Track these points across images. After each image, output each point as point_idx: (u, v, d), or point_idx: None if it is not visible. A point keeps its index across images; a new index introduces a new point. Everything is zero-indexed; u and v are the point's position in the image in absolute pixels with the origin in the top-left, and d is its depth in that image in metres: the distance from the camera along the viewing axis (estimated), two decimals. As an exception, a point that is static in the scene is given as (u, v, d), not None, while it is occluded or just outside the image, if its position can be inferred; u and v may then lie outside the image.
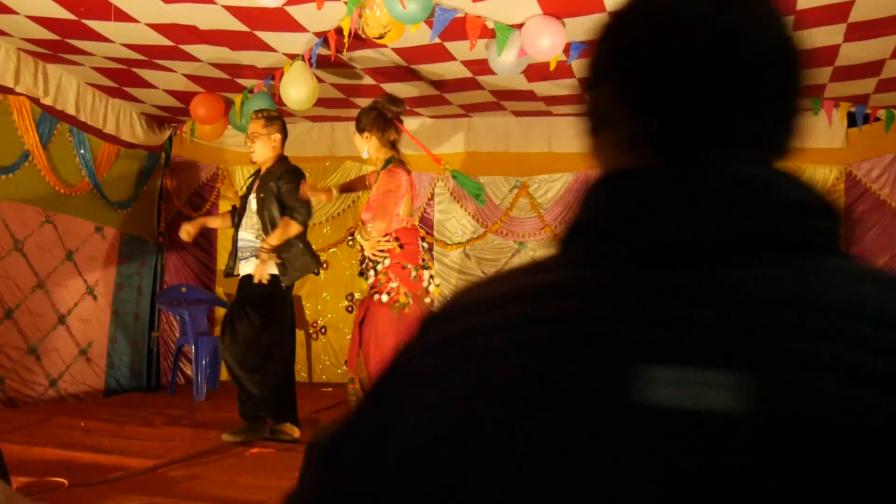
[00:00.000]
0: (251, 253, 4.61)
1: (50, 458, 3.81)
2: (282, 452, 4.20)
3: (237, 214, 4.81)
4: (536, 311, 0.67)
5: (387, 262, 4.33)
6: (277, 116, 4.77)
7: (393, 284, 4.30)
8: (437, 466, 0.64)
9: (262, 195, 4.59)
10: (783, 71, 0.76)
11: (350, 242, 7.19)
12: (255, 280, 4.46)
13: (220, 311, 7.29)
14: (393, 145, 4.52)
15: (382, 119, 4.48)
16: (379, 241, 4.33)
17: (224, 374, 6.98)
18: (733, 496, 0.55)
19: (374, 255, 4.36)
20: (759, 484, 0.55)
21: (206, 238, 7.28)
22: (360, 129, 4.51)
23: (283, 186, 4.55)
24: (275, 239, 4.45)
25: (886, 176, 6.15)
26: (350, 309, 7.16)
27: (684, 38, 0.73)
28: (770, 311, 0.61)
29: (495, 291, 0.73)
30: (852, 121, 6.07)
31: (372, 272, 4.38)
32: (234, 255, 4.74)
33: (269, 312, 4.55)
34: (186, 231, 4.94)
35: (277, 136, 4.70)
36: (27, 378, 5.60)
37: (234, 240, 4.77)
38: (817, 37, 4.67)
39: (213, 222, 5.27)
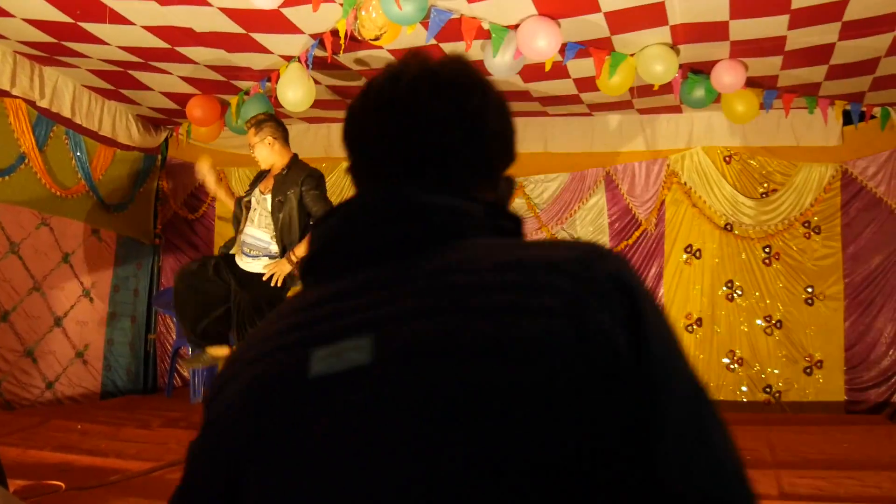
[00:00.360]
0: (263, 252, 4.69)
1: (47, 461, 3.80)
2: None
3: (243, 207, 4.83)
4: (272, 330, 0.96)
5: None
6: (266, 119, 4.80)
7: None
8: (224, 441, 0.93)
9: (279, 198, 4.64)
10: (455, 132, 1.05)
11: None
12: (273, 283, 4.49)
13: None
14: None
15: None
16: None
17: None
18: (367, 417, 0.82)
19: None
20: (379, 404, 0.82)
21: (203, 240, 7.27)
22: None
23: (307, 193, 4.62)
24: (301, 251, 4.52)
25: (882, 173, 6.16)
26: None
27: (378, 107, 1.09)
28: (397, 287, 0.89)
29: (268, 321, 1.01)
30: (848, 119, 6.06)
31: None
32: (236, 246, 4.82)
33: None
34: (204, 170, 5.03)
35: (272, 139, 4.72)
36: (23, 381, 5.59)
37: (239, 232, 4.82)
38: (812, 35, 4.68)
39: (220, 194, 5.22)
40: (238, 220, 4.89)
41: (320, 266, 1.01)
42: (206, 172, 5.00)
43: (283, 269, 4.53)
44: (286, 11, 4.47)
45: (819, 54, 4.97)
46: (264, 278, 4.55)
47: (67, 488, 3.27)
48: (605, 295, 0.84)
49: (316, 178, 4.70)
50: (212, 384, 0.99)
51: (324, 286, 0.97)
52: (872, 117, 5.99)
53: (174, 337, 6.96)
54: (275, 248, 4.66)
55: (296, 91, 5.16)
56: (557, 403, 0.78)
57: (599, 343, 0.80)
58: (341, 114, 5.05)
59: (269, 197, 4.69)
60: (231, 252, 4.87)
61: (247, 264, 4.71)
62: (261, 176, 4.91)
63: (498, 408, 0.78)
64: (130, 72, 5.65)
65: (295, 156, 4.83)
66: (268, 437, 0.87)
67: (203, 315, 4.73)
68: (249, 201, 4.82)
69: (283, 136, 4.79)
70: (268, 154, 4.74)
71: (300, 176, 4.67)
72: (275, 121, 4.82)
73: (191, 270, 4.82)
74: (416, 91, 1.07)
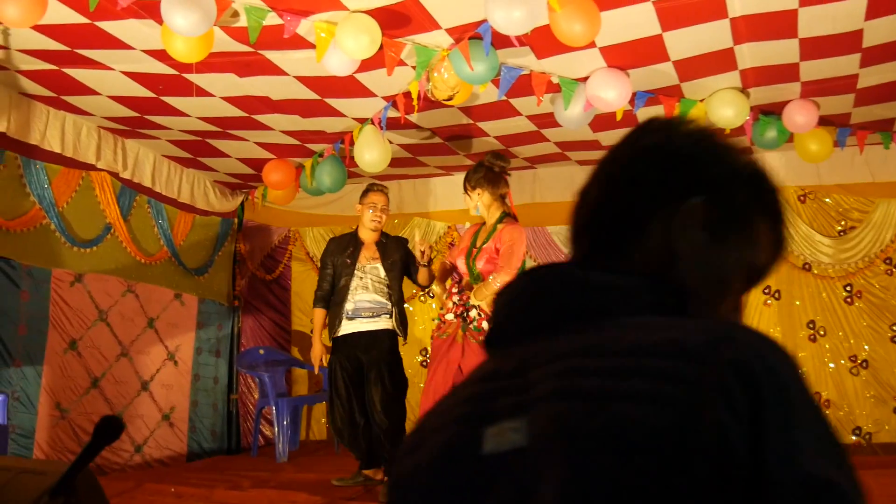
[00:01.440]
0: (384, 311, 5.15)
1: (147, 525, 3.89)
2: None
3: (346, 282, 5.16)
4: (455, 399, 1.00)
5: None
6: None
7: None
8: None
9: (390, 261, 5.19)
10: (602, 201, 1.09)
11: (422, 298, 7.26)
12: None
13: (298, 372, 7.39)
14: (503, 200, 4.67)
15: (492, 174, 4.63)
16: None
17: (302, 434, 7.06)
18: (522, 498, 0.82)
19: (490, 309, 4.42)
20: (528, 487, 0.83)
21: (281, 301, 7.41)
22: (473, 187, 4.64)
23: (411, 260, 5.16)
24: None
25: (963, 206, 6.04)
26: (425, 364, 7.19)
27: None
28: (552, 364, 0.90)
29: (454, 388, 1.04)
30: (926, 152, 5.98)
31: (486, 324, 4.37)
32: (339, 317, 5.13)
33: (401, 367, 5.19)
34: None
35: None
36: (114, 445, 5.70)
37: (343, 302, 5.14)
38: (884, 72, 4.65)
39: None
40: (341, 295, 5.18)
41: (493, 336, 1.05)
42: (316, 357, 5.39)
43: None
44: (359, 76, 4.60)
45: (892, 90, 4.92)
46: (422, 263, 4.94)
47: (170, 552, 3.33)
48: (726, 385, 0.79)
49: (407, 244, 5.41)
50: (401, 446, 1.05)
51: (496, 357, 1.02)
52: (951, 150, 5.89)
53: (256, 396, 7.07)
54: (390, 306, 5.17)
55: (372, 152, 5.28)
56: (665, 498, 0.76)
57: (713, 439, 0.77)
58: (412, 171, 5.29)
59: (379, 265, 5.17)
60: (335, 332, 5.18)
61: (365, 324, 5.11)
62: (343, 246, 5.27)
63: (609, 498, 0.78)
64: (209, 140, 5.85)
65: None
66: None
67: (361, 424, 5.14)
68: (352, 272, 5.16)
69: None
70: (379, 223, 5.24)
71: (401, 244, 5.37)
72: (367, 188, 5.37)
73: (334, 396, 5.19)
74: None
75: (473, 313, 4.49)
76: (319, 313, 5.31)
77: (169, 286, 6.43)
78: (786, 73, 4.65)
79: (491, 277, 4.41)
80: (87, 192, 5.61)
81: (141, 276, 6.11)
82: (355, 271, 5.15)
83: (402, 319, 5.23)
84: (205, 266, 6.83)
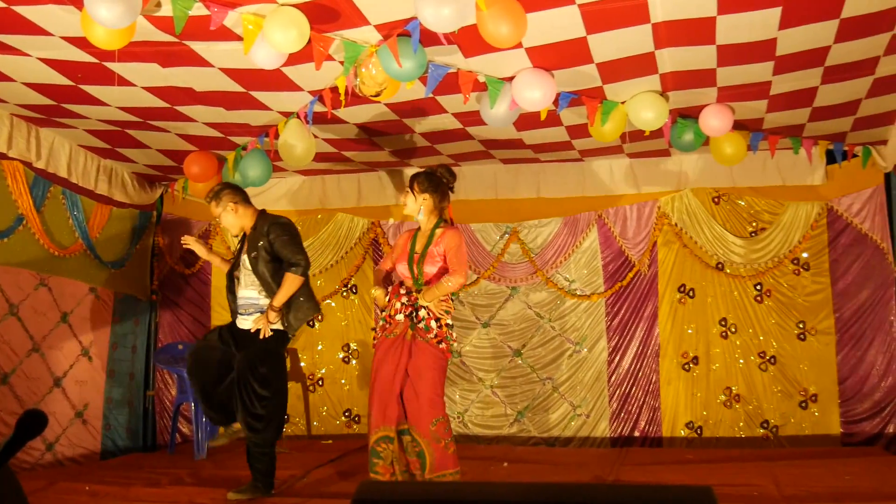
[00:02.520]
0: (256, 309, 4.69)
1: (62, 524, 3.80)
2: (291, 509, 4.21)
3: (233, 275, 4.85)
4: None
5: (449, 320, 4.62)
6: (221, 187, 4.86)
7: (451, 340, 4.64)
8: None
9: (253, 254, 4.68)
10: None
11: (345, 293, 7.24)
12: (261, 335, 4.53)
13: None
14: (441, 211, 4.77)
15: (442, 186, 4.75)
16: (445, 298, 4.60)
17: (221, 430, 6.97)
18: None
19: (438, 309, 4.57)
20: None
21: (200, 294, 7.30)
22: (421, 190, 4.70)
23: (275, 241, 4.64)
24: (279, 300, 4.57)
25: (867, 210, 6.32)
26: (347, 360, 7.18)
27: None
28: None
29: None
30: (831, 158, 6.25)
31: (434, 323, 4.57)
32: (234, 312, 4.80)
33: (274, 367, 4.68)
34: (191, 242, 4.98)
35: (233, 204, 4.78)
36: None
37: (232, 298, 4.83)
38: (796, 80, 4.83)
39: (214, 259, 5.18)
40: (232, 286, 4.89)
41: None
42: (193, 245, 4.99)
43: (268, 319, 4.58)
44: (286, 70, 4.56)
45: (803, 97, 5.13)
46: (252, 331, 4.60)
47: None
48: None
49: (281, 225, 4.74)
50: None
51: None
52: (855, 156, 6.17)
53: (174, 393, 6.95)
54: (264, 302, 4.67)
55: (297, 146, 5.26)
56: None
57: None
58: (337, 166, 5.45)
59: (246, 257, 4.75)
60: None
61: (242, 322, 4.74)
62: (244, 240, 4.90)
63: None
64: (128, 131, 5.72)
65: (262, 211, 4.88)
66: None
67: (214, 389, 4.75)
68: (238, 265, 4.84)
69: (244, 198, 4.85)
70: (234, 219, 4.80)
71: (265, 227, 4.72)
72: (230, 186, 4.90)
73: (198, 346, 4.89)
74: None
75: (423, 313, 4.57)
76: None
77: (84, 280, 6.27)
78: (703, 78, 4.80)
79: (444, 279, 4.52)
80: (-1, 183, 5.44)
81: (54, 270, 5.94)
82: (240, 264, 4.80)
83: (286, 320, 4.70)
84: (122, 259, 6.68)
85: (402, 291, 4.68)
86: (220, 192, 4.80)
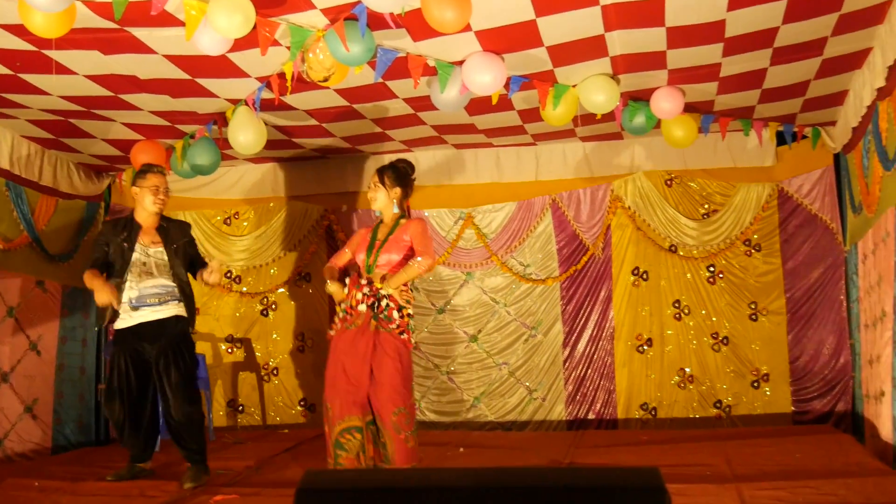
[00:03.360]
0: (172, 297, 4.82)
1: (9, 522, 3.72)
2: (245, 498, 4.17)
3: (122, 266, 4.78)
4: None
5: (410, 310, 4.69)
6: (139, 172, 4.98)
7: (411, 329, 4.70)
8: None
9: (174, 246, 4.88)
10: None
11: (298, 283, 7.18)
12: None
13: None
14: (402, 205, 4.89)
15: (408, 180, 4.90)
16: (406, 288, 4.69)
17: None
18: None
19: (400, 298, 4.64)
20: None
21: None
22: (393, 184, 4.81)
23: (192, 245, 5.03)
24: (214, 278, 4.85)
25: (816, 191, 6.39)
26: (301, 349, 7.13)
27: None
28: None
29: None
30: (781, 140, 6.31)
31: (396, 314, 4.63)
32: (123, 307, 4.75)
33: (193, 352, 4.93)
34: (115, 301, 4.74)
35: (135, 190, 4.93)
36: (-28, 440, 5.45)
37: (123, 289, 4.76)
38: (745, 62, 4.86)
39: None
40: (118, 280, 4.77)
41: None
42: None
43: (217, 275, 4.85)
44: (232, 56, 4.49)
45: (752, 79, 5.17)
46: (211, 281, 4.85)
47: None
48: None
49: (188, 227, 5.16)
50: None
51: None
52: (804, 137, 6.23)
53: (125, 386, 6.83)
54: (178, 291, 4.86)
55: (246, 134, 5.18)
56: None
57: None
58: (286, 153, 5.31)
59: (162, 249, 4.85)
60: (116, 324, 4.80)
61: (155, 312, 4.78)
62: (118, 230, 4.86)
63: None
64: (72, 120, 5.59)
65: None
66: None
67: (142, 411, 4.86)
68: (131, 257, 4.79)
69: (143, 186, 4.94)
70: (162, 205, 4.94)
71: (185, 228, 5.07)
72: (139, 174, 4.97)
73: (114, 384, 4.81)
74: None
75: (384, 303, 4.62)
76: (90, 271, 4.74)
77: (30, 273, 6.13)
78: (654, 60, 4.81)
79: (412, 261, 4.62)
80: (-62, 174, 5.29)
81: (-1, 263, 5.81)
82: (136, 256, 4.78)
83: (191, 305, 4.93)
84: (69, 252, 6.54)
85: (363, 282, 4.70)
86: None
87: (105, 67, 4.65)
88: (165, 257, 4.83)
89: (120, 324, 4.78)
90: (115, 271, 4.77)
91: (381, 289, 4.65)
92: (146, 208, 4.87)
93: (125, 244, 4.79)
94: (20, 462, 5.76)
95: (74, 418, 6.56)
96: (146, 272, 4.79)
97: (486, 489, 1.61)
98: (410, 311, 4.69)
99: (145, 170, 4.93)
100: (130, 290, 4.76)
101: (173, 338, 4.77)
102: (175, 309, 4.83)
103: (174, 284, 4.83)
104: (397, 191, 4.82)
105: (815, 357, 6.42)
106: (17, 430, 5.89)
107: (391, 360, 4.55)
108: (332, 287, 4.76)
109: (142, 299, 4.76)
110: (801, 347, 6.46)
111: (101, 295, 4.60)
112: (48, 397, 6.28)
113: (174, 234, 4.95)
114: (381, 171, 4.86)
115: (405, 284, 4.68)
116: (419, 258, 4.59)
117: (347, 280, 4.79)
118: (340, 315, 4.74)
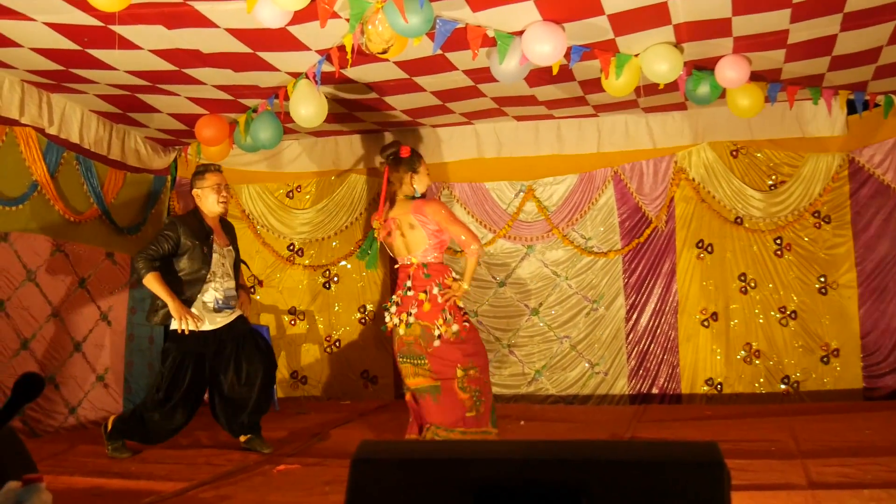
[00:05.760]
0: (235, 301, 4.93)
1: (80, 486, 3.85)
2: (308, 468, 4.24)
3: (202, 269, 4.78)
4: None
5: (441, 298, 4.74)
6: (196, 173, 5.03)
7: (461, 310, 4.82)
8: None
9: (229, 247, 4.99)
10: None
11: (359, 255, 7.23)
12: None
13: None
14: (419, 183, 4.95)
15: (404, 161, 4.92)
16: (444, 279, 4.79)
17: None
18: None
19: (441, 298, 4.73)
20: None
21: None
22: (416, 170, 4.90)
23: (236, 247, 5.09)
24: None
25: (889, 161, 6.19)
26: (363, 321, 7.19)
27: None
28: None
29: None
30: (852, 108, 6.12)
31: (440, 319, 4.71)
32: (202, 310, 4.79)
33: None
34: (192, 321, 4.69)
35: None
36: (47, 407, 5.63)
37: (201, 292, 4.79)
38: (814, 28, 4.71)
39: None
40: (196, 283, 4.78)
41: None
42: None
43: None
44: (293, 29, 4.51)
45: (821, 46, 5.00)
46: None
47: (104, 512, 3.30)
48: None
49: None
50: None
51: None
52: (876, 105, 6.02)
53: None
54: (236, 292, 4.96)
55: (308, 107, 5.21)
56: None
57: None
58: (348, 127, 5.27)
59: (231, 248, 4.99)
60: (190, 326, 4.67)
61: (230, 316, 4.86)
62: (193, 228, 4.83)
63: None
64: (138, 95, 5.70)
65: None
66: None
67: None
68: (208, 260, 4.80)
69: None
70: (226, 204, 5.02)
71: (233, 228, 5.17)
72: (198, 173, 5.03)
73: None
74: None
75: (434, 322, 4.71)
76: (157, 275, 4.64)
77: (100, 245, 6.29)
78: (718, 28, 4.69)
79: (468, 257, 4.74)
80: (12, 149, 5.43)
81: (70, 236, 5.96)
82: (216, 258, 4.82)
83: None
84: (137, 224, 6.69)
85: (408, 284, 4.81)
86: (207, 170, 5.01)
87: (169, 42, 4.71)
88: (234, 256, 4.96)
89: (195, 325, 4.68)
90: (190, 273, 4.73)
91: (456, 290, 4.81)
92: (210, 209, 4.88)
93: (204, 248, 4.78)
94: (93, 429, 5.93)
95: (144, 387, 6.73)
96: (226, 273, 4.87)
97: (541, 461, 1.60)
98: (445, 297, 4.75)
99: (202, 170, 4.94)
100: (216, 292, 4.79)
101: (244, 331, 4.91)
102: (238, 311, 4.95)
103: (234, 285, 4.95)
104: (424, 170, 4.95)
105: (887, 332, 6.25)
106: (89, 398, 6.07)
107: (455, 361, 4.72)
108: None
109: (227, 301, 4.83)
110: (873, 322, 6.29)
111: (177, 309, 4.58)
112: (119, 366, 6.45)
113: (232, 234, 5.10)
114: (404, 161, 4.91)
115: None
116: (470, 251, 4.72)
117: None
118: (392, 309, 4.88)
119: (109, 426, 4.77)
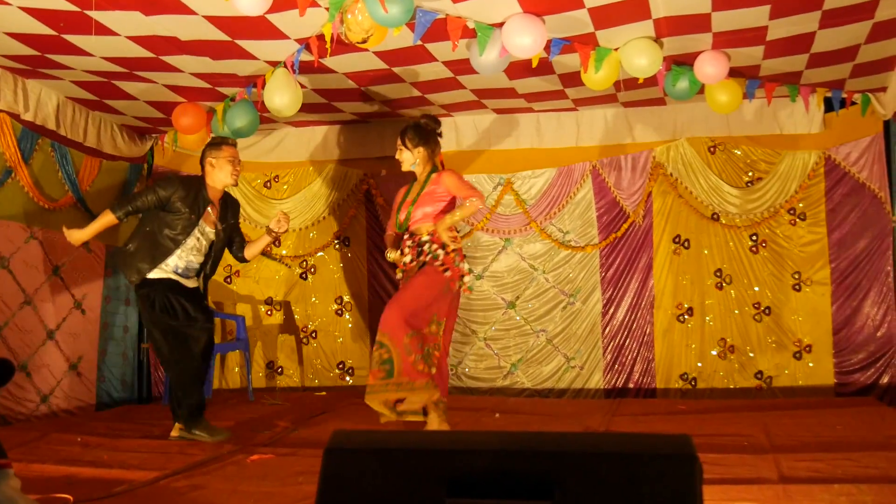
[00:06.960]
0: (195, 273, 4.97)
1: (51, 474, 3.80)
2: (281, 458, 4.22)
3: (179, 235, 4.81)
4: None
5: (454, 246, 4.75)
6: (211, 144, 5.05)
7: (463, 265, 4.84)
8: None
9: (224, 226, 5.00)
10: None
11: (337, 246, 7.21)
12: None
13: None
14: (433, 160, 4.99)
15: (431, 134, 4.98)
16: (455, 233, 4.80)
17: (216, 383, 7.00)
18: None
19: (446, 236, 4.70)
20: None
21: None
22: (415, 144, 4.91)
23: (236, 227, 5.16)
24: (283, 227, 5.05)
25: (864, 159, 6.24)
26: (340, 312, 7.17)
27: None
28: None
29: None
30: (829, 106, 6.16)
31: (441, 251, 4.74)
32: (159, 263, 4.82)
33: None
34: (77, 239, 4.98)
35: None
36: (18, 395, 5.57)
37: (169, 253, 4.83)
38: (793, 25, 4.74)
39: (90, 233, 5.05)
40: (168, 245, 4.82)
41: None
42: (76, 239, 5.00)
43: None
44: (271, 17, 4.48)
45: (800, 43, 5.03)
46: (280, 231, 5.01)
47: (75, 501, 3.27)
48: None
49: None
50: None
51: None
52: (853, 104, 6.07)
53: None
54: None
55: (282, 96, 5.17)
56: None
57: None
58: (326, 117, 5.22)
59: (213, 231, 4.94)
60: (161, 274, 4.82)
61: (188, 282, 4.94)
62: (190, 195, 4.85)
63: None
64: (115, 82, 5.64)
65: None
66: None
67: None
68: (192, 231, 4.84)
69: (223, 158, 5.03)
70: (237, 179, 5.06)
71: (237, 209, 5.19)
72: (213, 143, 5.05)
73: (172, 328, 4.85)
74: None
75: (426, 247, 4.77)
76: (108, 219, 4.87)
77: (75, 233, 6.22)
78: (698, 23, 4.71)
79: (465, 201, 4.74)
80: (-14, 134, 5.37)
81: (45, 223, 5.89)
82: (195, 235, 4.86)
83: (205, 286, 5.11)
84: (113, 212, 6.62)
85: (406, 237, 4.86)
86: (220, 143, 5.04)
87: (146, 28, 4.66)
88: (213, 239, 4.94)
89: (156, 274, 4.80)
90: (167, 234, 4.78)
91: (421, 236, 4.79)
92: (222, 181, 4.93)
93: (192, 216, 4.82)
94: (65, 418, 5.89)
95: (118, 376, 6.69)
96: (198, 249, 4.89)
97: (513, 452, 1.60)
98: (455, 248, 4.76)
99: (219, 142, 4.98)
100: (179, 259, 4.83)
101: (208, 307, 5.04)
102: (196, 282, 5.00)
103: (199, 267, 4.96)
104: (420, 150, 4.93)
105: (859, 329, 6.31)
106: (62, 387, 6.02)
107: (418, 286, 4.68)
108: (392, 255, 4.89)
109: (187, 272, 4.88)
110: (846, 319, 6.34)
111: (71, 234, 4.90)
112: (92, 355, 6.41)
113: (230, 213, 5.07)
114: (403, 133, 4.97)
115: (453, 229, 4.79)
116: (468, 200, 4.71)
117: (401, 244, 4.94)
118: (399, 276, 4.92)
119: (181, 420, 4.81)
